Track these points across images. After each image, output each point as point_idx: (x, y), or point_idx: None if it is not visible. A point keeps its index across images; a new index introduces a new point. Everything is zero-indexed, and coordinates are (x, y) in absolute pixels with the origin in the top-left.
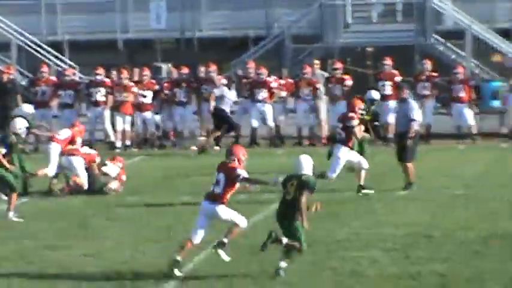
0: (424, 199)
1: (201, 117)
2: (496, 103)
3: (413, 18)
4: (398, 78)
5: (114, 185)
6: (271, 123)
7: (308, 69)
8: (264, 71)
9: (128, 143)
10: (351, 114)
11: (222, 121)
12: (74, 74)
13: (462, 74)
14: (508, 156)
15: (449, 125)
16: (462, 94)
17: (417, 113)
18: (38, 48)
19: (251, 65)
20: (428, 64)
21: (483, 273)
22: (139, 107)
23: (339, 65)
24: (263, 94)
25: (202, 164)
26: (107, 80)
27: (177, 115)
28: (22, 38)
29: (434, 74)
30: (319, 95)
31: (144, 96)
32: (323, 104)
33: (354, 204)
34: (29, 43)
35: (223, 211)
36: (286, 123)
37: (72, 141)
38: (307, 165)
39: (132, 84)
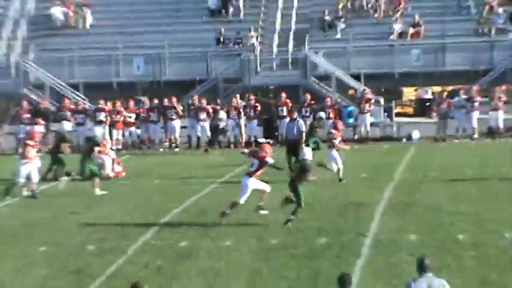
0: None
1: (166, 131)
2: (351, 120)
3: (298, 67)
4: (290, 105)
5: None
6: (209, 134)
7: (234, 100)
8: (204, 101)
9: (119, 147)
10: (333, 131)
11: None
12: (85, 104)
13: (330, 102)
14: (359, 153)
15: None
16: (330, 115)
17: (304, 127)
18: (62, 88)
19: (195, 97)
20: (308, 96)
21: (343, 227)
22: (127, 124)
23: (252, 97)
24: (203, 115)
25: (167, 161)
26: (106, 107)
27: (151, 129)
28: (52, 81)
29: (312, 102)
30: (241, 116)
31: (130, 117)
32: (243, 122)
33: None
34: (56, 84)
35: (255, 182)
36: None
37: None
38: (308, 153)
39: (122, 109)
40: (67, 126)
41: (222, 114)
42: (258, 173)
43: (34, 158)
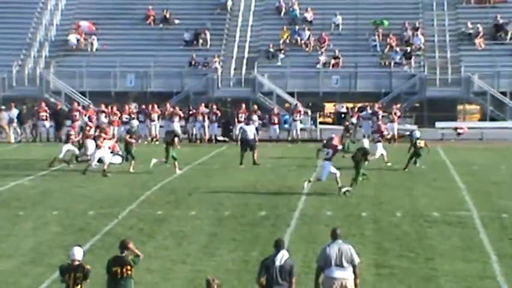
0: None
1: (150, 128)
2: (286, 126)
3: (249, 85)
4: (247, 113)
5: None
6: (179, 133)
7: (201, 108)
8: (177, 108)
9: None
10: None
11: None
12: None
13: (275, 111)
14: (291, 150)
15: (267, 135)
16: (275, 121)
17: (255, 130)
18: (74, 94)
19: (168, 105)
20: (255, 107)
21: (278, 203)
22: (122, 123)
23: (214, 106)
24: (176, 118)
25: (150, 150)
26: (106, 110)
27: (139, 126)
28: (66, 89)
29: (259, 112)
30: (205, 119)
31: (127, 118)
32: (207, 124)
33: (225, 170)
34: (69, 92)
35: (330, 166)
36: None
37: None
38: (366, 142)
39: (117, 112)
40: (135, 123)
41: (255, 118)
42: (333, 158)
43: (106, 145)
